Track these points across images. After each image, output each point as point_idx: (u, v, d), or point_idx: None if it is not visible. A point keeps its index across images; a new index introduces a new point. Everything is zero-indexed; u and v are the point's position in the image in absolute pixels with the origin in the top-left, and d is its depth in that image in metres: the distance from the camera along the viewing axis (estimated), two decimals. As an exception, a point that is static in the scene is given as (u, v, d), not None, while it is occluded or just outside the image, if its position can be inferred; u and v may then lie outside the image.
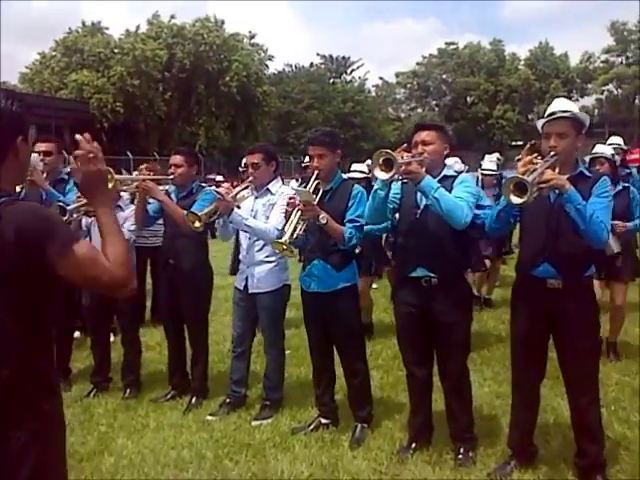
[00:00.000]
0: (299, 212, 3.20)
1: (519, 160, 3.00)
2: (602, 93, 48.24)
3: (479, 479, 2.98)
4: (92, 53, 31.71)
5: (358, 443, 3.39)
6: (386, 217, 3.22)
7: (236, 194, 3.66)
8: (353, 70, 49.61)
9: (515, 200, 2.50)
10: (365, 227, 3.74)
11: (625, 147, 5.98)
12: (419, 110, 51.55)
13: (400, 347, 3.34)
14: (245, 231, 3.74)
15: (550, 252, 2.77)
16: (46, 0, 56.10)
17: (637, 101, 47.40)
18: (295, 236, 3.21)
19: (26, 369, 1.54)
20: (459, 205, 2.87)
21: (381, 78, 53.15)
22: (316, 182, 3.38)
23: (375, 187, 3.02)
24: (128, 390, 4.37)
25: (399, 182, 3.11)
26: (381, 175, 2.79)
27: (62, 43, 32.67)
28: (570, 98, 48.73)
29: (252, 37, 37.40)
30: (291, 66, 47.55)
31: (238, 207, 3.72)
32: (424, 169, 2.94)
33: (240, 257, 3.99)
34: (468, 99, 49.48)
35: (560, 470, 3.01)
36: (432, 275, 3.06)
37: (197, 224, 3.62)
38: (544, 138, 2.80)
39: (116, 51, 31.92)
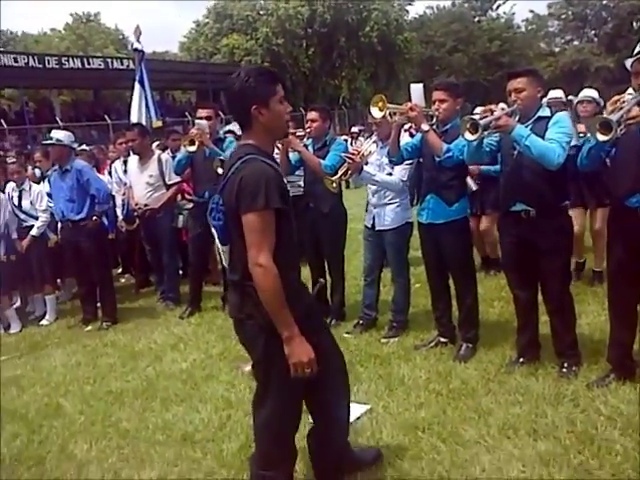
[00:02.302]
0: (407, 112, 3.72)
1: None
2: None
3: (578, 389, 3.33)
4: (240, 17, 33.44)
5: (462, 359, 3.87)
6: (483, 159, 3.61)
7: (362, 153, 4.21)
8: (499, 5, 46.51)
9: (601, 137, 2.76)
10: (482, 168, 4.10)
11: None
12: (575, 42, 47.24)
13: (505, 273, 3.73)
14: (373, 184, 4.32)
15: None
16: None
17: None
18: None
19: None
20: (550, 148, 3.15)
21: (531, 11, 49.42)
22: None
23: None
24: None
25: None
26: (469, 136, 3.20)
27: (213, 10, 34.80)
28: None
29: (391, -18, 36.73)
30: (432, 8, 45.91)
31: (366, 163, 4.29)
32: (517, 118, 3.26)
33: (367, 199, 4.57)
34: (634, 24, 44.29)
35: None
36: (530, 209, 3.40)
37: (334, 185, 4.28)
38: (633, 77, 2.97)
39: (261, 13, 33.30)
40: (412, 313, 4.71)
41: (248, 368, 2.64)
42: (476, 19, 45.94)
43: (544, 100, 4.88)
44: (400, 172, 4.27)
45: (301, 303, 2.26)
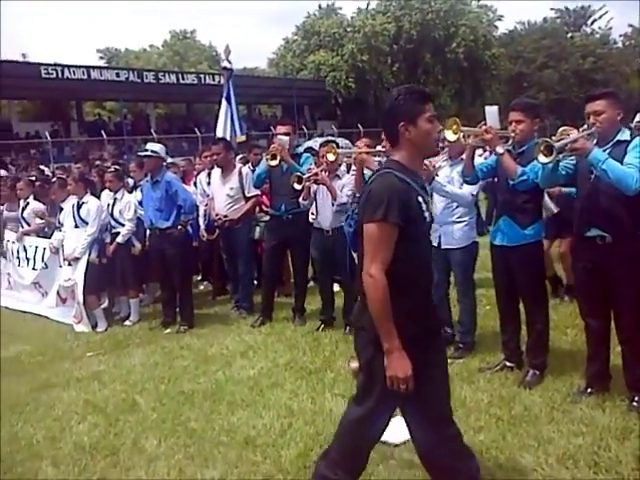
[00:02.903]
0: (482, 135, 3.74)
1: None
2: None
3: (648, 424, 3.20)
4: (328, 34, 34.13)
5: (528, 386, 3.80)
6: (558, 182, 3.54)
7: (434, 164, 4.26)
8: (594, 20, 44.70)
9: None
10: (564, 190, 4.04)
11: None
12: (680, 58, 44.48)
13: (578, 300, 3.64)
14: (443, 195, 4.34)
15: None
16: (289, -13, 61.18)
17: None
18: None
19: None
20: (628, 173, 3.07)
21: (631, 25, 46.94)
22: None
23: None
24: (347, 327, 5.31)
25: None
26: (542, 159, 3.17)
27: (302, 27, 35.74)
28: None
29: (480, -2, 36.28)
30: (523, 24, 44.76)
31: (437, 175, 4.33)
32: (594, 141, 3.20)
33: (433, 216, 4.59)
34: None
35: None
36: (605, 234, 3.31)
37: None
38: None
39: (348, 29, 33.83)
40: (479, 335, 4.66)
41: (355, 365, 2.77)
42: (569, 35, 44.33)
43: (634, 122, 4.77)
44: (470, 186, 4.25)
45: (412, 322, 2.24)
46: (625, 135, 3.36)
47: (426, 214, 2.32)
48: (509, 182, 3.80)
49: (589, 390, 3.59)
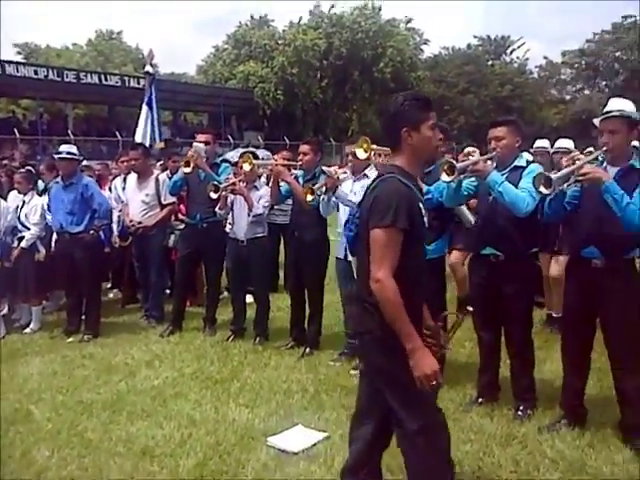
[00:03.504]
0: None
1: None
2: None
3: (529, 431, 3.42)
4: (258, 45, 34.13)
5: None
6: (461, 201, 3.76)
7: (338, 176, 4.40)
8: (513, 50, 47.38)
9: (543, 191, 2.93)
10: None
11: None
12: (586, 92, 47.89)
13: (472, 313, 3.84)
14: (346, 204, 4.48)
15: (595, 235, 3.12)
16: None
17: None
18: None
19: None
20: (521, 197, 3.31)
21: (545, 57, 50.13)
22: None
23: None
24: (258, 338, 5.33)
25: None
26: (445, 178, 3.36)
27: (233, 36, 35.61)
28: None
29: (408, 22, 37.59)
30: (447, 49, 46.75)
31: (340, 185, 4.47)
32: (494, 164, 3.43)
33: (339, 230, 4.72)
34: (645, 79, 44.93)
35: (606, 433, 3.35)
36: (499, 253, 3.54)
37: (309, 197, 4.44)
38: (599, 134, 3.14)
39: (279, 42, 34.01)
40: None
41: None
42: (489, 62, 46.70)
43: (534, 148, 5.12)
44: None
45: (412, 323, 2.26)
46: (522, 161, 3.61)
47: (425, 219, 2.39)
48: None
49: (480, 400, 3.80)
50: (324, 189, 4.50)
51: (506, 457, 3.14)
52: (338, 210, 4.77)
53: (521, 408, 3.63)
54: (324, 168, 4.58)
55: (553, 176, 2.96)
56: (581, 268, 3.25)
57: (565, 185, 3.12)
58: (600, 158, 3.14)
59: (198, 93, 29.30)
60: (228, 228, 5.65)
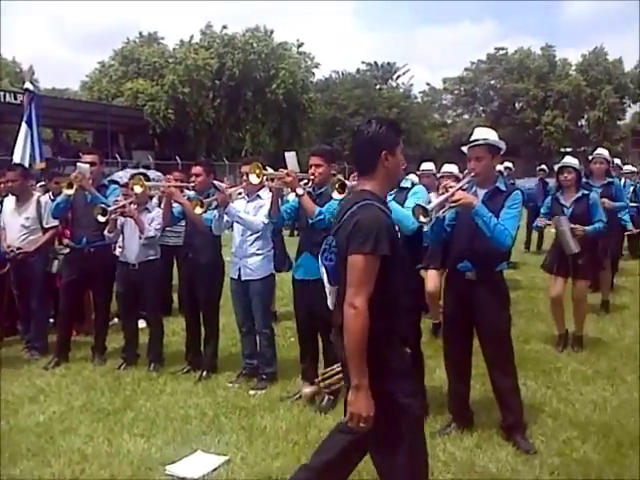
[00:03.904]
0: (284, 178, 3.92)
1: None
2: (657, 98, 46.96)
3: (422, 438, 3.59)
4: (148, 62, 33.37)
5: (323, 411, 4.07)
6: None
7: (231, 192, 4.41)
8: (399, 76, 49.98)
9: (422, 220, 3.15)
10: None
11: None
12: (465, 116, 51.46)
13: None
14: (237, 222, 4.50)
15: (469, 251, 3.39)
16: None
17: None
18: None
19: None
20: (407, 215, 3.50)
21: (428, 84, 53.34)
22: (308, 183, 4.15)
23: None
24: (152, 365, 5.16)
25: None
26: (336, 196, 3.50)
27: (120, 53, 34.53)
28: (622, 104, 47.62)
29: (300, 46, 38.41)
30: (337, 73, 48.36)
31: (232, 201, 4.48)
32: None
33: (233, 250, 4.72)
34: (516, 105, 49.09)
35: (492, 432, 3.61)
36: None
37: (198, 209, 4.40)
38: (467, 161, 3.43)
39: (170, 60, 33.44)
40: (282, 365, 4.83)
41: (308, 390, 2.68)
42: (377, 87, 48.89)
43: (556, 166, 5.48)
44: (263, 214, 4.44)
45: (400, 340, 2.28)
46: (407, 183, 3.83)
47: (400, 242, 2.40)
48: (308, 221, 4.08)
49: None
50: (214, 204, 4.47)
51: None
52: (232, 229, 4.77)
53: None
54: (215, 182, 4.55)
55: (428, 206, 3.17)
56: (457, 281, 3.50)
57: (441, 212, 3.35)
58: (467, 185, 3.43)
59: (82, 109, 28.00)
60: (118, 252, 5.45)
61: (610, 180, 6.42)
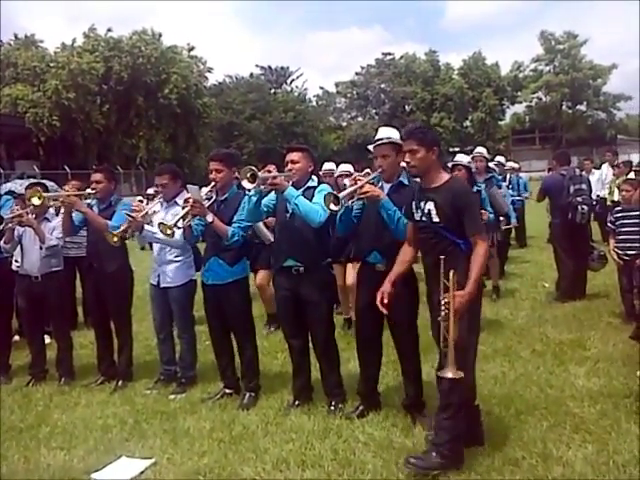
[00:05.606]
0: (189, 208, 3.92)
1: None
2: (532, 101, 51.02)
3: (342, 423, 3.77)
4: (27, 67, 31.47)
5: (245, 407, 4.15)
6: (260, 217, 4.04)
7: (146, 212, 4.33)
8: (293, 80, 50.61)
9: (333, 208, 3.37)
10: None
11: (487, 157, 7.19)
12: (359, 119, 53.05)
13: (280, 324, 4.13)
14: (156, 242, 4.49)
15: (377, 243, 3.66)
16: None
17: (564, 107, 50.36)
18: (178, 225, 3.99)
19: None
20: (314, 209, 3.69)
21: (321, 88, 54.40)
22: (212, 191, 4.18)
23: (248, 193, 3.78)
24: (63, 379, 4.98)
25: (273, 192, 3.90)
26: (247, 185, 3.60)
27: (-5, 57, 32.27)
28: (502, 106, 51.27)
29: (191, 49, 37.90)
30: (231, 77, 48.13)
31: (150, 222, 4.41)
32: (290, 182, 3.77)
33: (152, 257, 4.70)
34: (406, 107, 51.39)
35: (396, 413, 3.87)
36: (299, 264, 3.87)
37: (115, 239, 4.31)
38: (374, 158, 3.69)
39: (51, 65, 31.70)
40: (201, 368, 4.86)
41: None
42: (272, 91, 49.18)
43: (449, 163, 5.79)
44: (178, 232, 4.31)
45: None
46: (313, 182, 4.00)
47: None
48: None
49: (297, 402, 4.09)
50: (129, 231, 4.37)
51: (326, 448, 3.44)
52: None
53: (333, 403, 3.99)
54: (125, 212, 4.40)
55: (340, 195, 3.39)
56: (367, 272, 3.75)
57: (350, 202, 3.58)
58: (374, 179, 3.69)
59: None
60: (16, 265, 5.20)
61: (491, 175, 7.06)
